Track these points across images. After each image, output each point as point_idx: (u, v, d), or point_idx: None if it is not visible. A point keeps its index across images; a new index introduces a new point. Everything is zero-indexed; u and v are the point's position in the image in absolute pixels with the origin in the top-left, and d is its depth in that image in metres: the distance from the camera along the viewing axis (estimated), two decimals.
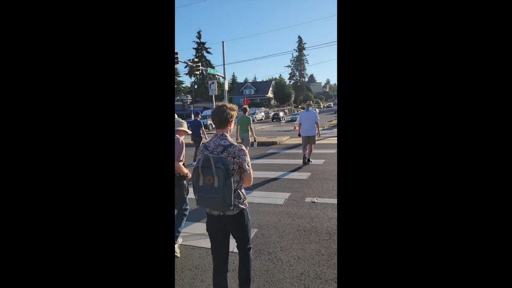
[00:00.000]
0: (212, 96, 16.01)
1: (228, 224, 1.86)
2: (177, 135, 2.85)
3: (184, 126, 2.99)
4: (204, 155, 1.73)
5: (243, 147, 1.83)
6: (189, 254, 2.84)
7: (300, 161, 6.76)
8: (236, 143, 1.85)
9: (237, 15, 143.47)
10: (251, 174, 1.86)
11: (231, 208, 1.74)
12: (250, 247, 1.97)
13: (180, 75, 52.67)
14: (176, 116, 3.46)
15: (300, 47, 55.16)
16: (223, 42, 16.70)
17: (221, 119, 1.85)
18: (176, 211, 2.88)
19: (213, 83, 13.79)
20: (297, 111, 37.10)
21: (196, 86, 43.36)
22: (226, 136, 1.86)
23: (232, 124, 1.96)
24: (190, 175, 2.78)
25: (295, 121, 22.34)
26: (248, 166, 1.82)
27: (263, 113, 35.00)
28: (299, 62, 55.49)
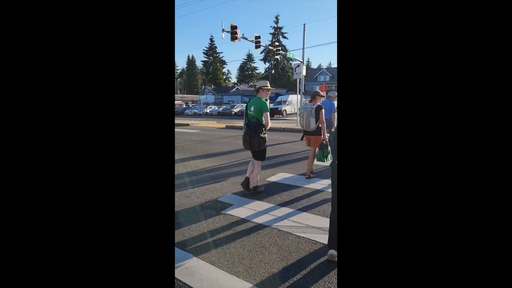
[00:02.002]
0: (296, 80, 15.65)
1: None
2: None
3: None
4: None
5: None
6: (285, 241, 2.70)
7: None
8: None
9: None
10: None
11: None
12: None
13: (254, 61, 53.62)
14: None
15: None
16: (304, 24, 15.94)
17: None
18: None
19: (298, 66, 13.40)
20: None
21: (273, 71, 43.63)
22: None
23: None
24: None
25: None
26: None
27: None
28: None
